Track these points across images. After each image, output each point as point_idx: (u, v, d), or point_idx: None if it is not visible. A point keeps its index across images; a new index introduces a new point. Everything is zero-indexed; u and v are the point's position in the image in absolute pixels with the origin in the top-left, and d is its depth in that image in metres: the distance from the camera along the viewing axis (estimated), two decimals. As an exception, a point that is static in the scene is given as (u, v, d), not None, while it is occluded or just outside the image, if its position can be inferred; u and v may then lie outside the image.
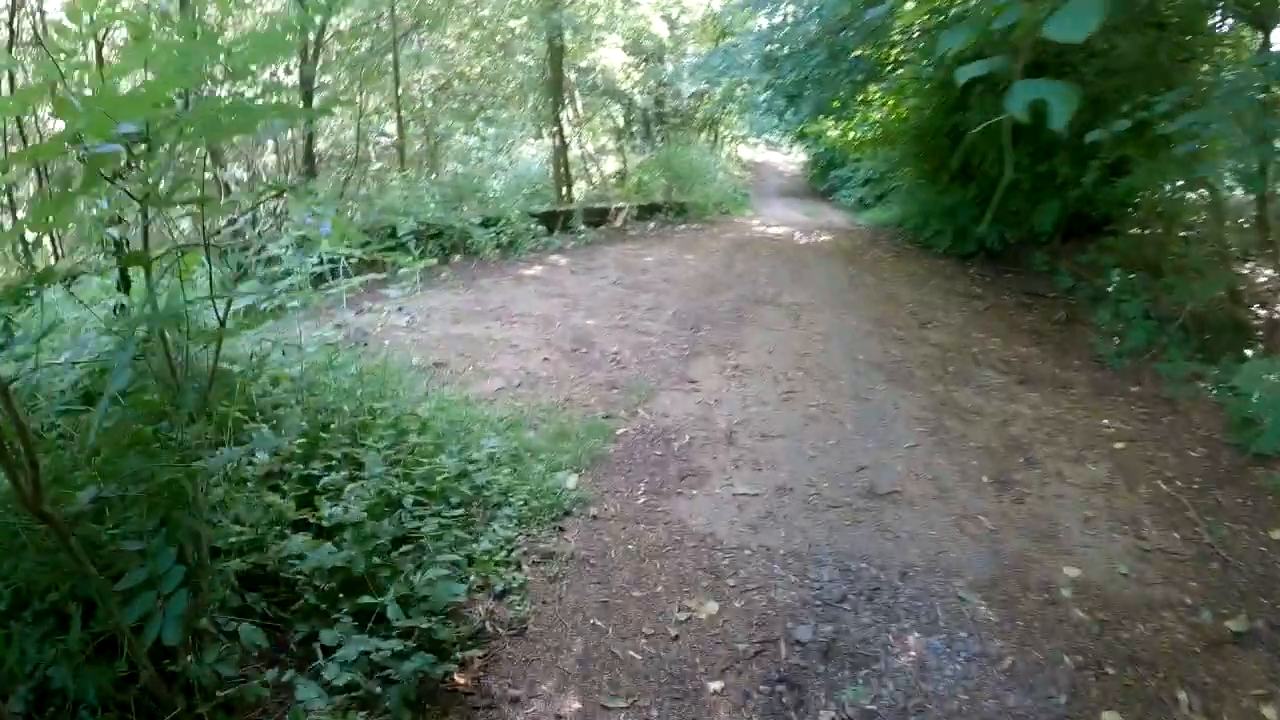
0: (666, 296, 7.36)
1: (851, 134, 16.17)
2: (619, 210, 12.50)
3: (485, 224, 9.25)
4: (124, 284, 2.39)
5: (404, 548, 2.60)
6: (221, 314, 2.55)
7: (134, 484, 2.10)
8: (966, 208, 9.82)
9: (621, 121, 18.16)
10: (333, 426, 3.11)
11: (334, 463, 3.04)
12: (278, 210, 2.80)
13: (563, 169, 13.46)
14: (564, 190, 13.40)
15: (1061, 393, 5.10)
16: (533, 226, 9.93)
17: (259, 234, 2.45)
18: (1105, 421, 4.63)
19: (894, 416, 4.57)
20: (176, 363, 2.72)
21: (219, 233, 2.73)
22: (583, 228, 10.80)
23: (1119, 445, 4.30)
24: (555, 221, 10.77)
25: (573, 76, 14.55)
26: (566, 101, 13.66)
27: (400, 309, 6.62)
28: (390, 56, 10.47)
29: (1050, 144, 8.43)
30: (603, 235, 11.28)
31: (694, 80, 16.18)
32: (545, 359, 5.28)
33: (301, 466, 2.99)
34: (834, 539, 3.26)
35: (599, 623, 2.72)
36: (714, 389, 4.86)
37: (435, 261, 6.77)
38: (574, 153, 14.62)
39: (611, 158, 17.77)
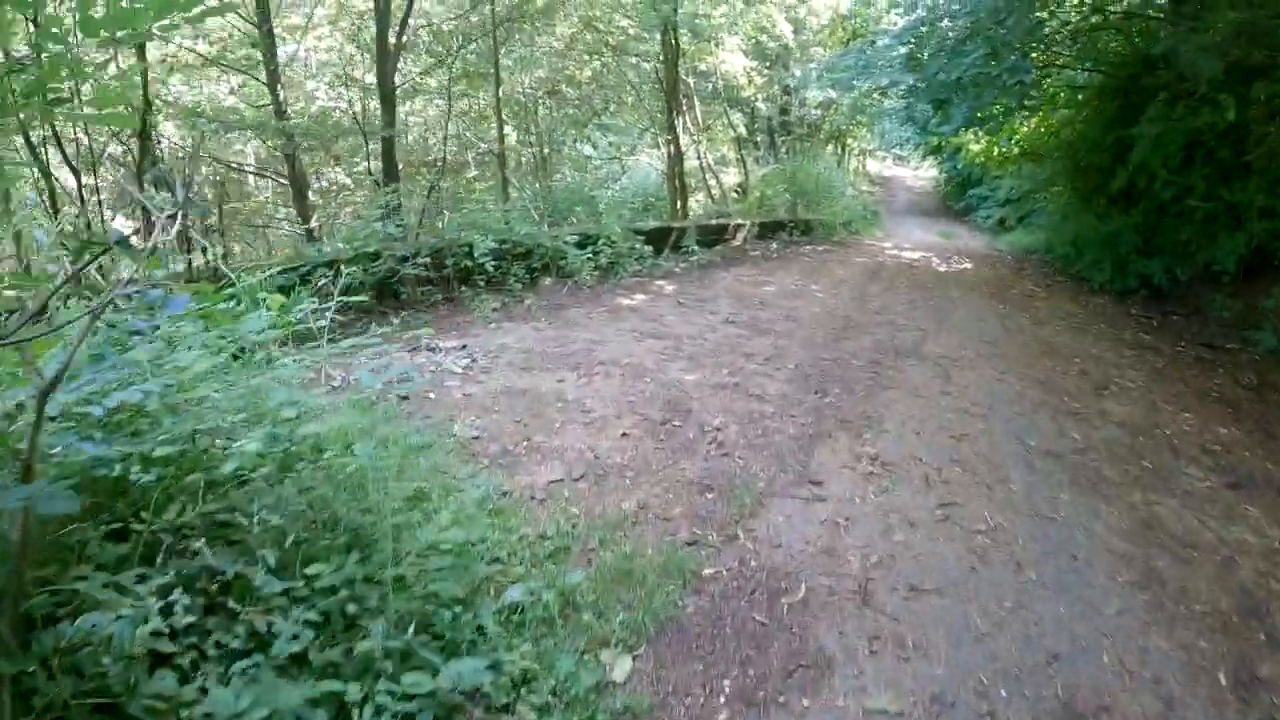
0: (788, 341, 6.09)
1: (997, 149, 14.65)
2: (738, 228, 11.31)
3: (582, 243, 8.19)
4: None
5: None
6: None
7: None
8: (1129, 236, 8.40)
9: (743, 131, 16.93)
10: (261, 592, 2.05)
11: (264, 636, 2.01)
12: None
13: (678, 180, 12.34)
14: (679, 204, 12.30)
15: (1283, 503, 3.80)
16: (637, 246, 8.81)
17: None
18: (1346, 557, 3.32)
19: (1088, 553, 3.20)
20: None
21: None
22: (695, 248, 9.64)
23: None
24: (665, 240, 9.65)
25: (691, 81, 13.44)
26: (684, 108, 12.52)
27: (464, 346, 5.65)
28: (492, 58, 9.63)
29: (1235, 166, 7.03)
30: (719, 256, 10.09)
31: (823, 84, 14.79)
32: (623, 434, 4.10)
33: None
34: (1027, 823, 1.95)
35: None
36: (844, 496, 3.56)
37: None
38: (691, 163, 13.48)
39: (732, 169, 16.59)
